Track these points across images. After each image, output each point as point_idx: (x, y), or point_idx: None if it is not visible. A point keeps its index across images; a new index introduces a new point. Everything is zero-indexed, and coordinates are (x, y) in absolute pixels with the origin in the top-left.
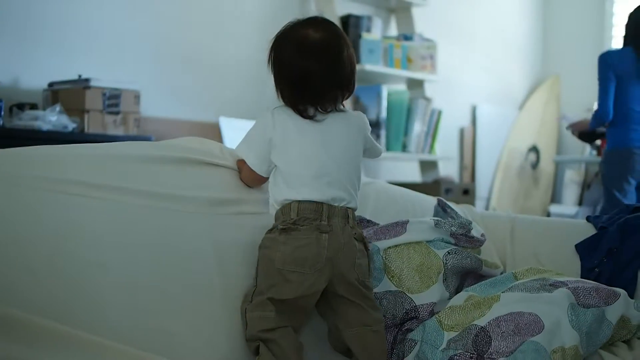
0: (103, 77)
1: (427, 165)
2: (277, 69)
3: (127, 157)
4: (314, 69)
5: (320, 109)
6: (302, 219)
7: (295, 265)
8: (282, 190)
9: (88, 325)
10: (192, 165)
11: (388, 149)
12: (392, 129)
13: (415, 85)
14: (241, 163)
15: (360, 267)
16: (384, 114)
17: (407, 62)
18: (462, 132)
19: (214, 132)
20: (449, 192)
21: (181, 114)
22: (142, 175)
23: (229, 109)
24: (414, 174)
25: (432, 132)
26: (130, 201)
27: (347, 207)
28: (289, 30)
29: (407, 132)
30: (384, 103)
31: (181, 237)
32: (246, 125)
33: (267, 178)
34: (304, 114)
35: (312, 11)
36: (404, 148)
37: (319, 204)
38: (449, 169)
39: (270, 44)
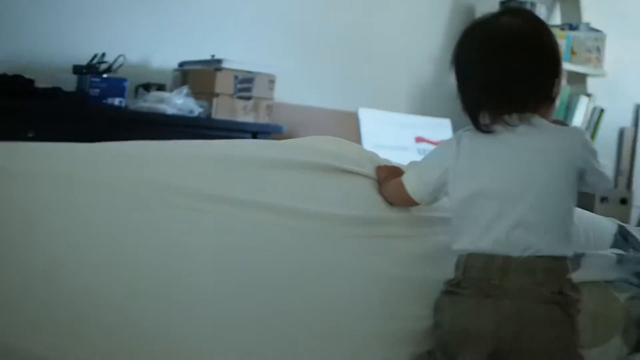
0: (236, 58)
1: None
2: (456, 69)
3: (245, 160)
4: (500, 63)
5: (505, 120)
6: (467, 279)
7: (458, 338)
8: (454, 237)
9: None
10: (324, 172)
11: None
12: None
13: (577, 80)
14: (384, 172)
15: (545, 343)
16: None
17: (570, 54)
18: (621, 133)
19: (352, 123)
20: (604, 201)
21: (318, 101)
22: (262, 183)
23: (371, 100)
24: None
25: (591, 133)
26: (247, 216)
27: (537, 257)
28: (475, 23)
29: None
30: None
31: (304, 265)
32: (387, 117)
33: (418, 204)
34: (483, 127)
35: None
36: None
37: (490, 257)
38: None
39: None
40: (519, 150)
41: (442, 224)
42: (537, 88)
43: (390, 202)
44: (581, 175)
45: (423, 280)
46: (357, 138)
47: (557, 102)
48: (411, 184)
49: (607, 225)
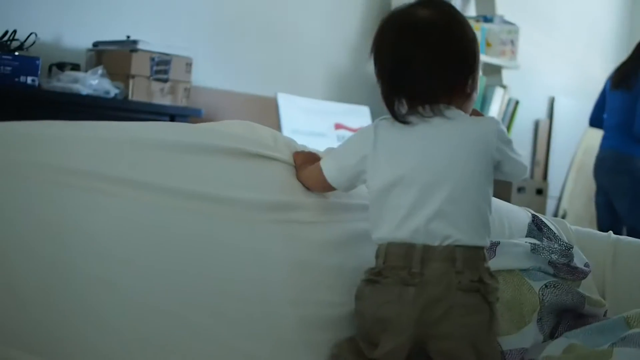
0: (153, 39)
1: None
2: (374, 59)
3: (153, 143)
4: (411, 53)
5: (419, 112)
6: (388, 268)
7: (381, 326)
8: (374, 226)
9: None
10: (237, 157)
11: None
12: None
13: (493, 71)
14: (301, 157)
15: (465, 329)
16: None
17: (485, 46)
18: (537, 125)
19: (272, 109)
20: (520, 191)
21: (236, 86)
22: (170, 167)
23: (290, 86)
24: None
25: (507, 124)
26: (153, 200)
27: (456, 246)
28: (392, 13)
29: None
30: None
31: (213, 251)
32: (306, 103)
33: (335, 189)
34: (399, 117)
35: None
36: None
37: (410, 246)
38: None
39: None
40: (434, 142)
41: (359, 210)
42: (447, 81)
43: (308, 188)
44: (497, 165)
45: (339, 266)
46: (276, 123)
47: (475, 96)
48: (329, 169)
49: (521, 215)
